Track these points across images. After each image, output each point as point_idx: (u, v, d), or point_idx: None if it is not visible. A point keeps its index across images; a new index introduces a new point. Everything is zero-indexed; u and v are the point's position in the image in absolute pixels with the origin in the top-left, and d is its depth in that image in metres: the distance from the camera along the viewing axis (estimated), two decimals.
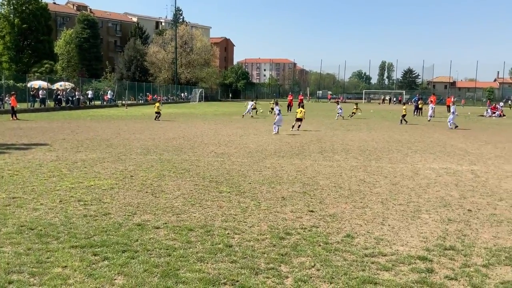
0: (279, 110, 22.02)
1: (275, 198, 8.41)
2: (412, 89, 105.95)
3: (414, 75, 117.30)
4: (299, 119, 22.62)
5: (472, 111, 53.97)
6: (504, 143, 18.94)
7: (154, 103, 34.44)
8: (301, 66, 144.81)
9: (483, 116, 43.37)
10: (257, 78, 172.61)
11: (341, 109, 34.03)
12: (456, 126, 26.29)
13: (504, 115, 43.96)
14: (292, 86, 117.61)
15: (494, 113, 43.68)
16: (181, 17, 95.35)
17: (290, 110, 41.87)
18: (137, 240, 5.91)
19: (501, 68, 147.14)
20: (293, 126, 22.47)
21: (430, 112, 34.48)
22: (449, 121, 26.83)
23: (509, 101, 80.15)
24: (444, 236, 6.36)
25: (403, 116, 29.89)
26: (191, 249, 5.62)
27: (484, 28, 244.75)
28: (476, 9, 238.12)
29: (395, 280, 4.83)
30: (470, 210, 7.78)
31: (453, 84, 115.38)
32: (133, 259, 5.27)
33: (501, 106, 48.20)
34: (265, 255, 5.48)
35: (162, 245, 5.73)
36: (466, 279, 4.91)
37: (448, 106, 42.87)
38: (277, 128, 21.22)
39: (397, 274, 5.00)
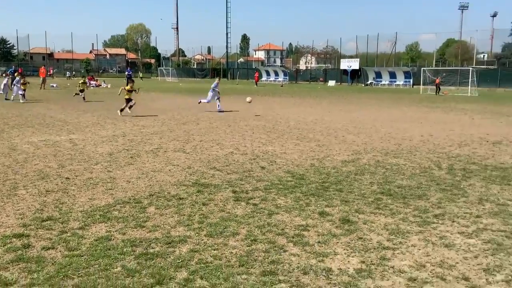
0: None
1: None
2: (8, 60, 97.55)
3: (9, 46, 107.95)
4: None
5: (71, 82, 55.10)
6: (100, 111, 20.34)
7: None
8: None
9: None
10: None
11: None
12: None
13: (100, 85, 47.81)
14: None
15: (91, 83, 46.30)
16: None
17: None
18: None
19: (94, 40, 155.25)
20: None
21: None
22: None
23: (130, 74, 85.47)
24: (42, 208, 6.30)
25: None
26: None
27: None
28: None
29: None
30: (68, 178, 8.00)
31: (51, 55, 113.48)
32: None
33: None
34: None
35: None
36: (63, 245, 5.03)
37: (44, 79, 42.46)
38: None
39: None
